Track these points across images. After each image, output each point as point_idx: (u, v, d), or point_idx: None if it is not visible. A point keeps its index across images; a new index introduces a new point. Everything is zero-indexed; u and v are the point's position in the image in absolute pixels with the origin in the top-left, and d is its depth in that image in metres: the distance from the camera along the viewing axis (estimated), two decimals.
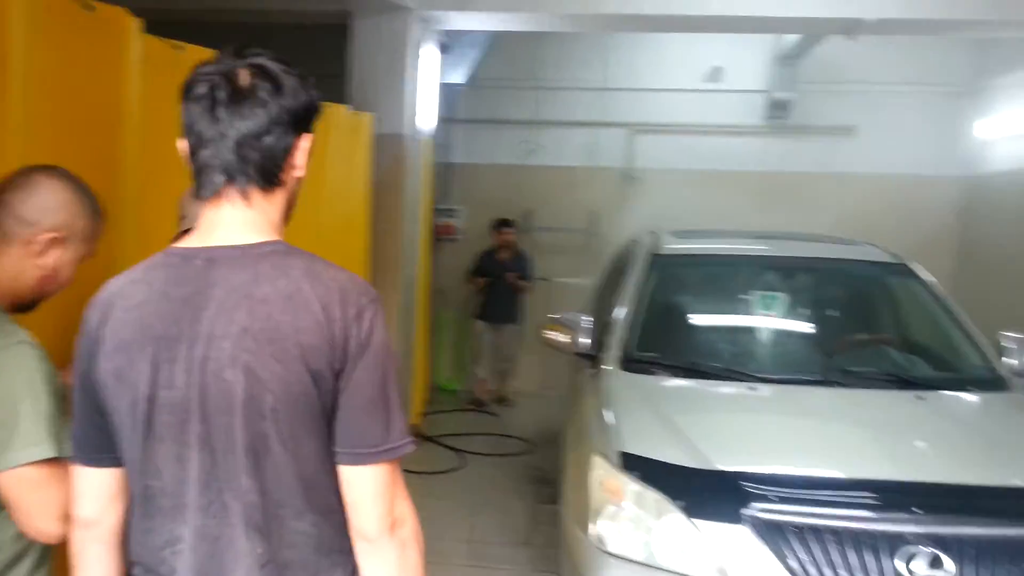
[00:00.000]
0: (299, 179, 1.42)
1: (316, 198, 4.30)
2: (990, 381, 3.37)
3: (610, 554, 2.63)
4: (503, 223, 7.51)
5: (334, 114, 4.66)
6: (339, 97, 5.16)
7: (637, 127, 7.90)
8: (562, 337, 3.78)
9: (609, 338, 3.73)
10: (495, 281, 7.37)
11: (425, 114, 5.98)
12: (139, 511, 1.37)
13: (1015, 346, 3.49)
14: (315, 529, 1.34)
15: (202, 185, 1.35)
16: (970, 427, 3.10)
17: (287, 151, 1.36)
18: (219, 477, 1.30)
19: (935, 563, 2.37)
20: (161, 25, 2.82)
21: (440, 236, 7.90)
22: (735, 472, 2.63)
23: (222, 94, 1.31)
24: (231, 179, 1.33)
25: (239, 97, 1.31)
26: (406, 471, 1.42)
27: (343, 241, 4.86)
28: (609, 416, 3.08)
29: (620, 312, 3.85)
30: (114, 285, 1.38)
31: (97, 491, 1.42)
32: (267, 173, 1.35)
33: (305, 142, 1.39)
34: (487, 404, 7.60)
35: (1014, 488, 2.62)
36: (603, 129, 7.92)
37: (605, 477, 2.78)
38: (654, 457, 2.75)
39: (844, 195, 7.63)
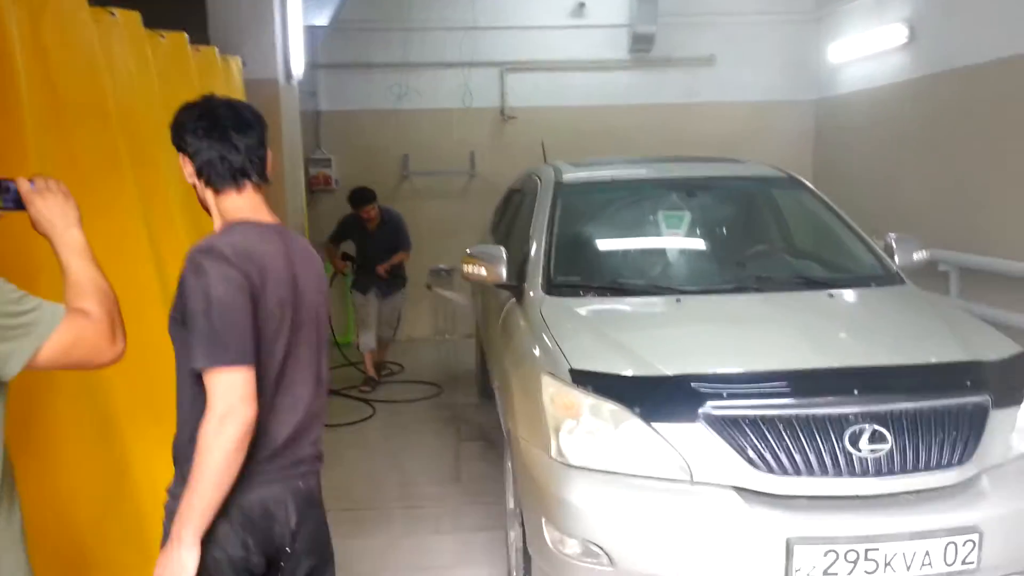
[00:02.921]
0: None
1: None
2: (887, 277, 3.63)
3: (574, 467, 2.67)
4: (359, 199, 6.30)
5: (205, 58, 4.28)
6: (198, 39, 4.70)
7: (508, 66, 7.87)
8: (482, 270, 3.75)
9: (528, 266, 3.74)
10: (364, 262, 6.45)
11: (295, 59, 5.69)
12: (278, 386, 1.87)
13: (900, 245, 3.77)
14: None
15: (230, 181, 1.89)
16: (880, 316, 3.32)
17: (265, 160, 1.96)
18: (311, 360, 1.96)
19: (875, 438, 2.55)
20: None
21: (315, 188, 7.63)
22: (686, 375, 2.72)
23: (229, 121, 1.88)
24: (248, 176, 1.90)
25: (242, 120, 1.90)
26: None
27: None
28: (547, 338, 3.09)
29: (535, 241, 3.86)
30: (238, 240, 1.81)
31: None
32: (262, 174, 1.95)
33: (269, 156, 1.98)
34: (379, 379, 6.64)
35: (931, 365, 2.85)
36: (475, 69, 7.84)
37: (557, 394, 2.80)
38: (603, 370, 2.80)
39: (708, 123, 7.91)
